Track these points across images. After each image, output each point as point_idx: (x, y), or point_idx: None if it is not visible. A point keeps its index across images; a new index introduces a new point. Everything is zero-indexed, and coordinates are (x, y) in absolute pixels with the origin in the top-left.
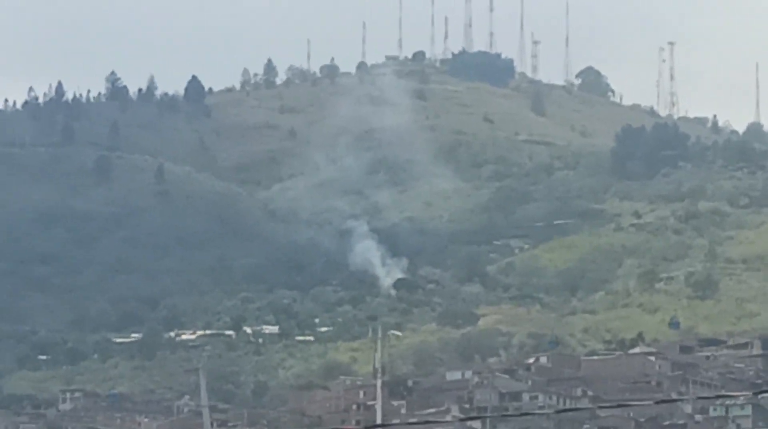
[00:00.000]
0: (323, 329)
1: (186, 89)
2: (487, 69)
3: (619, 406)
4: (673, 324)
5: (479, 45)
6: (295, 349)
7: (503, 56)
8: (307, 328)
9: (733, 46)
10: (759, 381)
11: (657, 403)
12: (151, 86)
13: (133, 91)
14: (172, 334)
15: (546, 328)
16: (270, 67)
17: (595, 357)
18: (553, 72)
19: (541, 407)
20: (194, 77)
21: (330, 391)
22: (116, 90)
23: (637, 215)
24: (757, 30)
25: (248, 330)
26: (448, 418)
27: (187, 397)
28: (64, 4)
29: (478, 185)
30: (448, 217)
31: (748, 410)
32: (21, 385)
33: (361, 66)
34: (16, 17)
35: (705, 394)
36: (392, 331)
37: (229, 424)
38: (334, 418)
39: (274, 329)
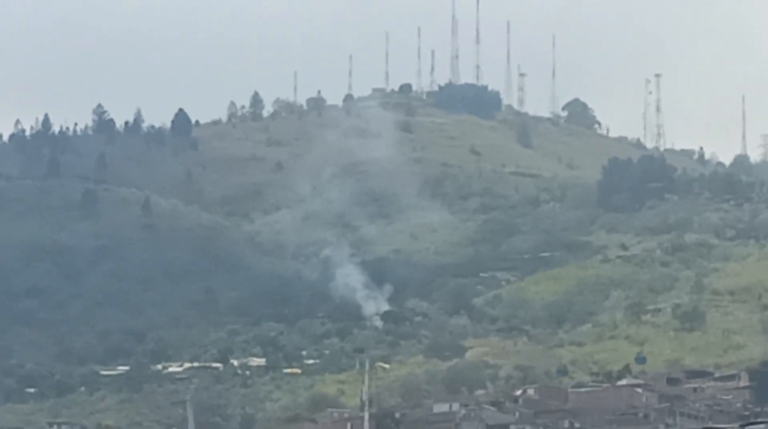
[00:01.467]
0: (310, 361)
1: (173, 122)
2: (473, 101)
3: None
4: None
5: (466, 77)
6: (282, 382)
7: (490, 88)
8: (294, 360)
9: (720, 78)
10: (746, 413)
11: None
12: (138, 119)
13: (119, 123)
14: (159, 366)
15: (533, 361)
16: (257, 100)
17: (583, 389)
18: (539, 104)
19: None
20: (181, 110)
21: (317, 424)
22: (103, 123)
23: (624, 247)
24: (743, 62)
25: (235, 362)
26: None
27: None
28: (51, 38)
29: (464, 217)
30: (435, 249)
31: None
32: (8, 418)
33: (348, 98)
34: (2, 50)
35: (692, 426)
36: (379, 363)
37: None
38: None
39: (261, 362)
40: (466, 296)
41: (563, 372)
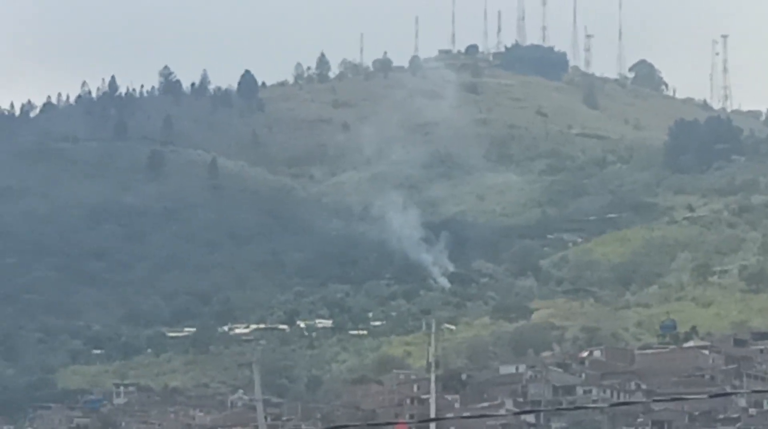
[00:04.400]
0: (377, 323)
1: (239, 83)
2: (539, 63)
3: (672, 399)
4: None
5: (532, 39)
6: (348, 343)
7: (556, 50)
8: (361, 322)
9: None
10: None
11: (711, 396)
12: (204, 80)
13: (186, 85)
14: (226, 328)
15: (599, 322)
16: (323, 62)
17: (649, 351)
18: (606, 65)
19: (594, 401)
20: (247, 71)
21: (383, 385)
22: (169, 84)
23: (691, 209)
24: None
25: (302, 324)
26: (502, 411)
27: (240, 391)
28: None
29: (531, 179)
30: (501, 210)
31: None
32: (74, 379)
33: (414, 60)
34: (71, 13)
35: (759, 388)
36: (446, 325)
37: (283, 418)
38: (387, 412)
39: (328, 323)
40: (532, 258)
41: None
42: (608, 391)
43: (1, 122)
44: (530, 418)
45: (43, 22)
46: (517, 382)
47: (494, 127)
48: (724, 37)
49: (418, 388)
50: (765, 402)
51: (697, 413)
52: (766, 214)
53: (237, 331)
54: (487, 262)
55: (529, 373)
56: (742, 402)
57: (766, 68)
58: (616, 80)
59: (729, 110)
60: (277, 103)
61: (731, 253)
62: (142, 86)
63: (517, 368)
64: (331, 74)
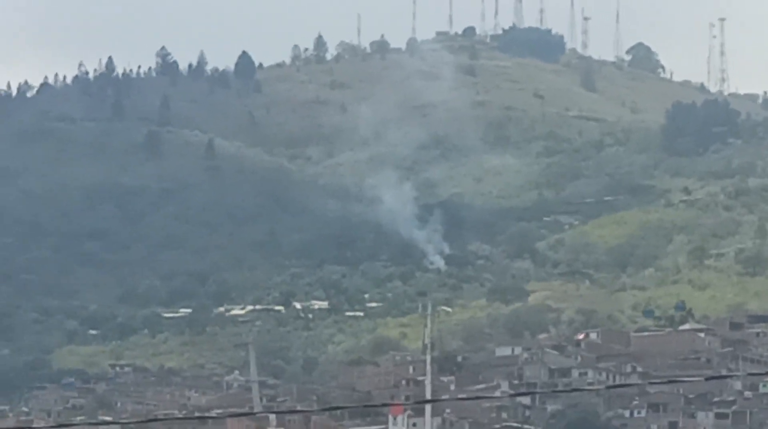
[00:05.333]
0: (373, 305)
1: (236, 64)
2: (537, 45)
3: (668, 382)
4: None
5: (530, 21)
6: (344, 325)
7: (554, 32)
8: (357, 303)
9: None
10: None
11: (707, 379)
12: (201, 61)
13: (183, 66)
14: (222, 309)
15: (595, 304)
16: (320, 43)
17: (645, 333)
18: (603, 48)
19: (590, 383)
20: (244, 52)
21: (379, 367)
22: (166, 65)
23: (687, 192)
24: None
25: (298, 305)
26: (498, 393)
27: (236, 372)
28: None
29: (528, 161)
30: (498, 192)
31: None
32: (71, 359)
33: (412, 42)
34: None
35: (755, 371)
36: (442, 307)
37: (279, 399)
38: (383, 394)
39: (324, 304)
40: (529, 240)
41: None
42: (604, 374)
43: None
44: (526, 400)
45: (40, 2)
46: (512, 364)
47: (491, 109)
48: (722, 20)
49: (414, 370)
50: (761, 385)
51: (692, 396)
52: (762, 197)
53: (233, 312)
54: (484, 244)
55: (525, 355)
56: (738, 385)
57: (764, 51)
58: (613, 63)
59: (726, 93)
60: (275, 84)
61: (728, 236)
62: (139, 67)
63: (512, 350)
64: (329, 56)
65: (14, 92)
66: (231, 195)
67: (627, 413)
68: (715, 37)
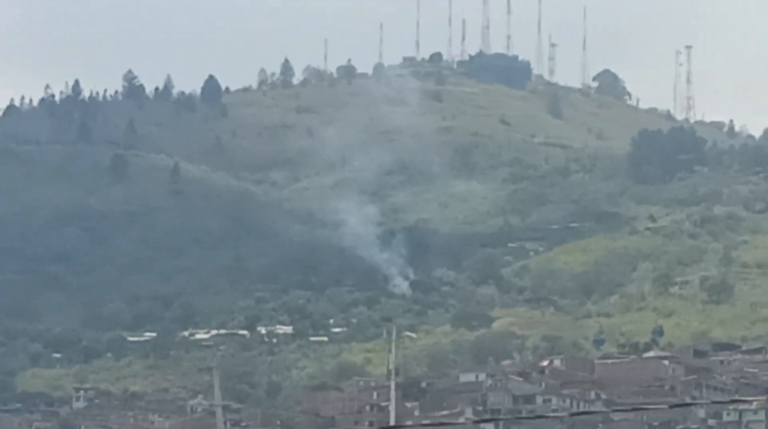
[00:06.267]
0: (337, 330)
1: (203, 88)
2: (504, 71)
3: (633, 410)
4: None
5: (496, 47)
6: (309, 350)
7: (520, 58)
8: (322, 328)
9: (750, 49)
10: None
11: (671, 407)
12: (168, 85)
13: (149, 89)
14: (186, 333)
15: (560, 331)
16: (287, 67)
17: (609, 360)
18: (570, 74)
19: (554, 410)
20: (211, 76)
21: (343, 392)
22: (133, 88)
23: (653, 219)
24: None
25: (262, 330)
26: (462, 420)
27: (200, 396)
28: (82, 3)
29: (493, 187)
30: (464, 218)
31: (762, 415)
32: (35, 383)
33: (378, 67)
34: (34, 15)
35: (719, 399)
36: (406, 333)
37: (243, 424)
38: (347, 419)
39: (288, 329)
40: (494, 266)
41: (600, 342)
42: (568, 401)
43: None
44: (489, 427)
45: (6, 25)
46: (477, 390)
47: (457, 135)
48: (688, 47)
49: (378, 396)
50: (724, 413)
51: (656, 423)
52: (727, 225)
53: (198, 336)
54: (449, 269)
55: (489, 381)
56: (702, 413)
57: (730, 79)
58: (579, 89)
59: (692, 121)
60: (241, 108)
61: (693, 263)
62: (105, 90)
63: (477, 376)
64: (295, 80)
65: None
66: (196, 219)
67: None
68: (681, 64)
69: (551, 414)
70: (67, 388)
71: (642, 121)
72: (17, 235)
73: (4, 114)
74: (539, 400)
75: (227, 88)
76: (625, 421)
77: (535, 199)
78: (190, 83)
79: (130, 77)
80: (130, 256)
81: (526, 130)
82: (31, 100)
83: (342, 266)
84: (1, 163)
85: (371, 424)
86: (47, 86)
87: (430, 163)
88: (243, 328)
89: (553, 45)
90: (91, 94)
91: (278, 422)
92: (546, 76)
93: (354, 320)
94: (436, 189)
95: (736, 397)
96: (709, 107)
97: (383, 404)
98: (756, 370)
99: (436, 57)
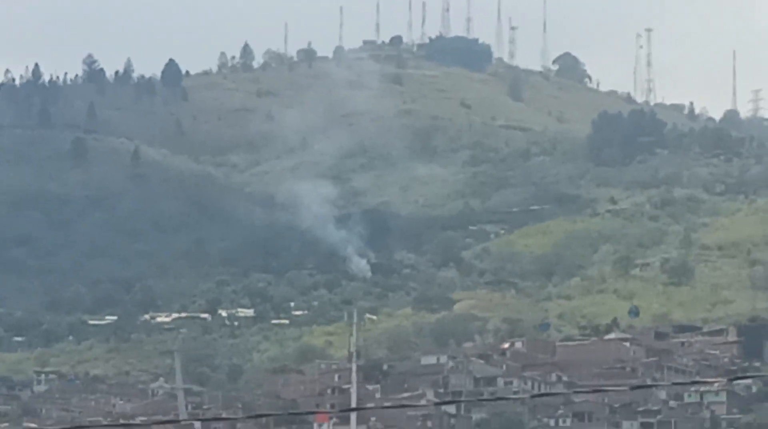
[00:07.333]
0: (298, 313)
1: (163, 72)
2: (464, 54)
3: (593, 391)
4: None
5: (456, 30)
6: (270, 333)
7: (480, 42)
8: (283, 311)
9: (711, 33)
10: (734, 367)
11: (632, 388)
12: (128, 69)
13: (110, 73)
14: (147, 316)
15: (521, 314)
16: (247, 51)
17: (570, 342)
18: (530, 58)
19: (515, 392)
20: (171, 60)
21: (305, 375)
22: (93, 72)
23: (613, 201)
24: (734, 17)
25: (223, 313)
26: (423, 402)
27: (162, 379)
28: None
29: (454, 170)
30: (424, 201)
31: (723, 397)
32: None
33: (338, 50)
34: None
35: (679, 381)
36: (367, 315)
37: (204, 407)
38: (308, 402)
39: (250, 312)
40: (454, 249)
41: (546, 327)
42: (529, 383)
43: None
44: (451, 409)
45: None
46: (438, 372)
47: (418, 118)
48: (648, 30)
49: (339, 378)
50: (685, 395)
51: (617, 405)
52: (688, 207)
53: (159, 319)
54: (410, 252)
55: (450, 363)
56: (663, 394)
57: (690, 62)
58: (540, 72)
59: (652, 104)
60: (201, 92)
61: (653, 246)
62: (65, 74)
63: (438, 359)
64: (255, 64)
65: None
66: (157, 203)
67: (552, 422)
68: (641, 47)
69: (513, 396)
70: (28, 371)
71: (602, 104)
72: None
73: None
74: (500, 382)
75: (187, 72)
76: (586, 402)
77: (495, 181)
78: (150, 67)
79: (90, 61)
80: (90, 240)
81: (486, 113)
82: None
83: (303, 249)
84: None
85: (332, 406)
86: (7, 70)
87: (391, 147)
88: (204, 312)
89: (513, 28)
90: (51, 78)
91: (239, 405)
92: (506, 59)
93: (315, 303)
94: (397, 172)
95: (697, 379)
96: (669, 90)
97: (344, 387)
98: (716, 352)
99: (396, 40)
